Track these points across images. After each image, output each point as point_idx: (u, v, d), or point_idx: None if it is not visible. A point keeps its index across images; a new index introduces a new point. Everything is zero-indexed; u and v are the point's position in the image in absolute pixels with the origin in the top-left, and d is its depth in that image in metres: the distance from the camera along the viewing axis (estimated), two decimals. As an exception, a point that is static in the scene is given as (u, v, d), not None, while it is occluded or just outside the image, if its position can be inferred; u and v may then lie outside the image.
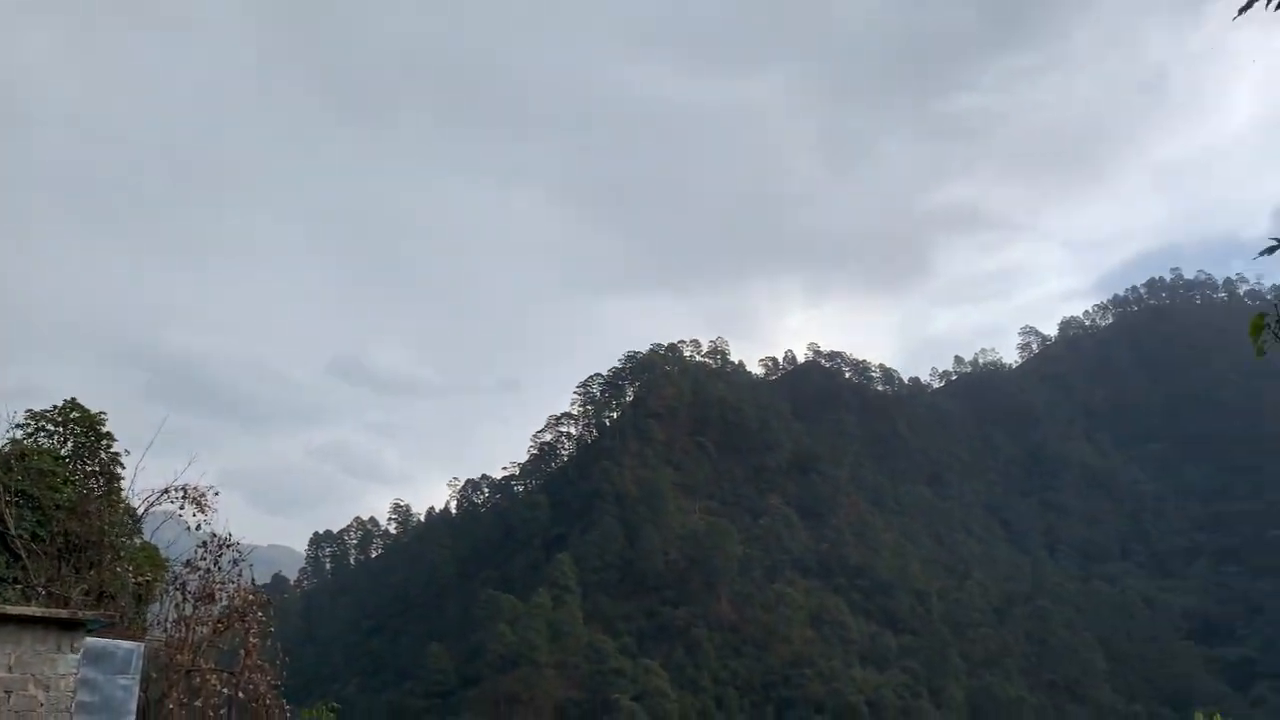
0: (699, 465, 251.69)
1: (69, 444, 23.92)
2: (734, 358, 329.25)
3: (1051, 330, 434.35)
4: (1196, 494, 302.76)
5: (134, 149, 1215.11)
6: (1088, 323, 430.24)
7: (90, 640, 15.61)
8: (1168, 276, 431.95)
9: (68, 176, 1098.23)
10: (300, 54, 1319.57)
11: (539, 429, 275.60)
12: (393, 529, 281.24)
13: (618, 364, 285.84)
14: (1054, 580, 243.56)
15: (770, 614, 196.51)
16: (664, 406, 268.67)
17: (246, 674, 20.38)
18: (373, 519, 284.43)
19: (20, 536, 20.50)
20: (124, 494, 24.18)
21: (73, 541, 21.24)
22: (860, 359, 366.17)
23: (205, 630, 21.09)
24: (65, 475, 22.41)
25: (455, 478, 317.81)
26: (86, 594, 20.30)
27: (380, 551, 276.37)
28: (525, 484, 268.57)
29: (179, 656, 20.03)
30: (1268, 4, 5.71)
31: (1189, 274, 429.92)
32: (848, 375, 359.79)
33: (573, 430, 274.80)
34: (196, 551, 22.37)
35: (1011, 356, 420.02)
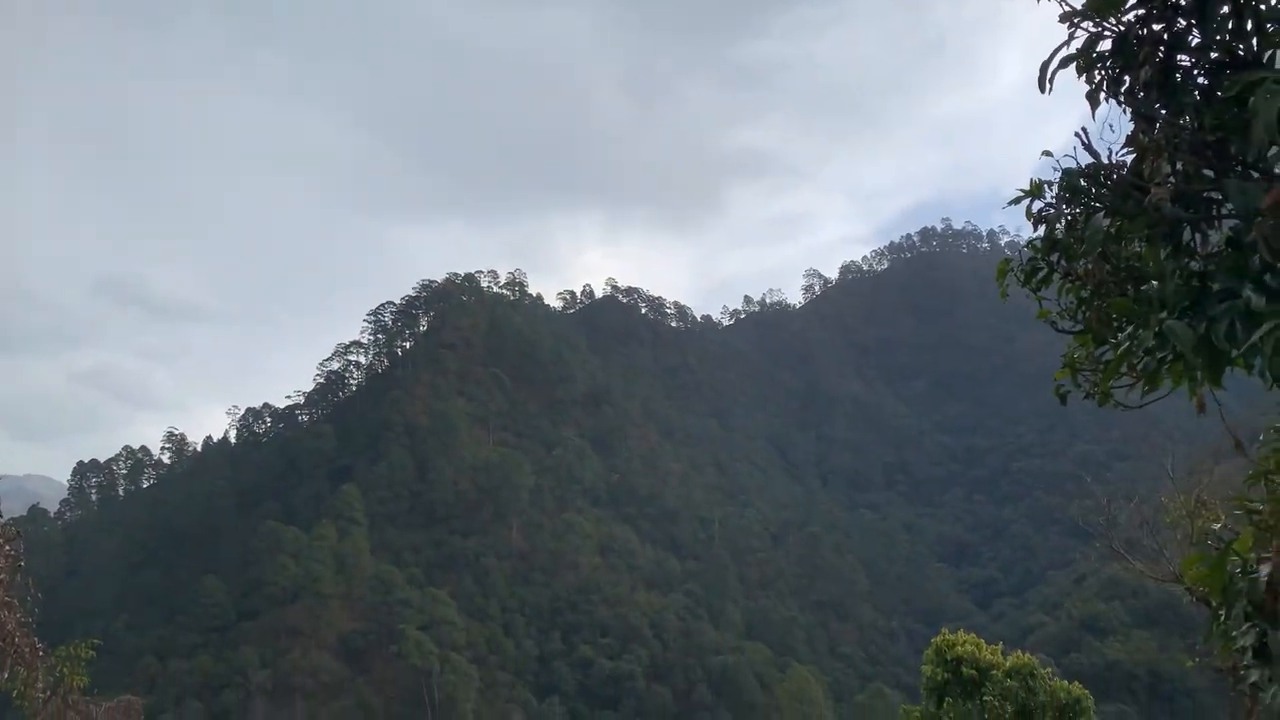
0: (493, 397, 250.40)
1: None
2: (532, 290, 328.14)
3: (833, 273, 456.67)
4: (952, 429, 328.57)
5: None
6: (865, 267, 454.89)
7: None
8: (939, 226, 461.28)
9: None
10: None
11: (326, 357, 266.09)
12: (166, 459, 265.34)
13: (412, 292, 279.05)
14: (825, 508, 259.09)
15: (560, 542, 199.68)
16: (459, 337, 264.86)
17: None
18: (144, 448, 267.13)
19: None
20: None
21: None
22: (656, 295, 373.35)
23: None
24: None
25: (235, 406, 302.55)
26: None
27: (152, 482, 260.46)
28: (310, 414, 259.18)
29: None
30: None
31: (958, 224, 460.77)
32: (643, 311, 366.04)
33: (362, 359, 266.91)
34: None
35: (796, 297, 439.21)
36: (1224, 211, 5.19)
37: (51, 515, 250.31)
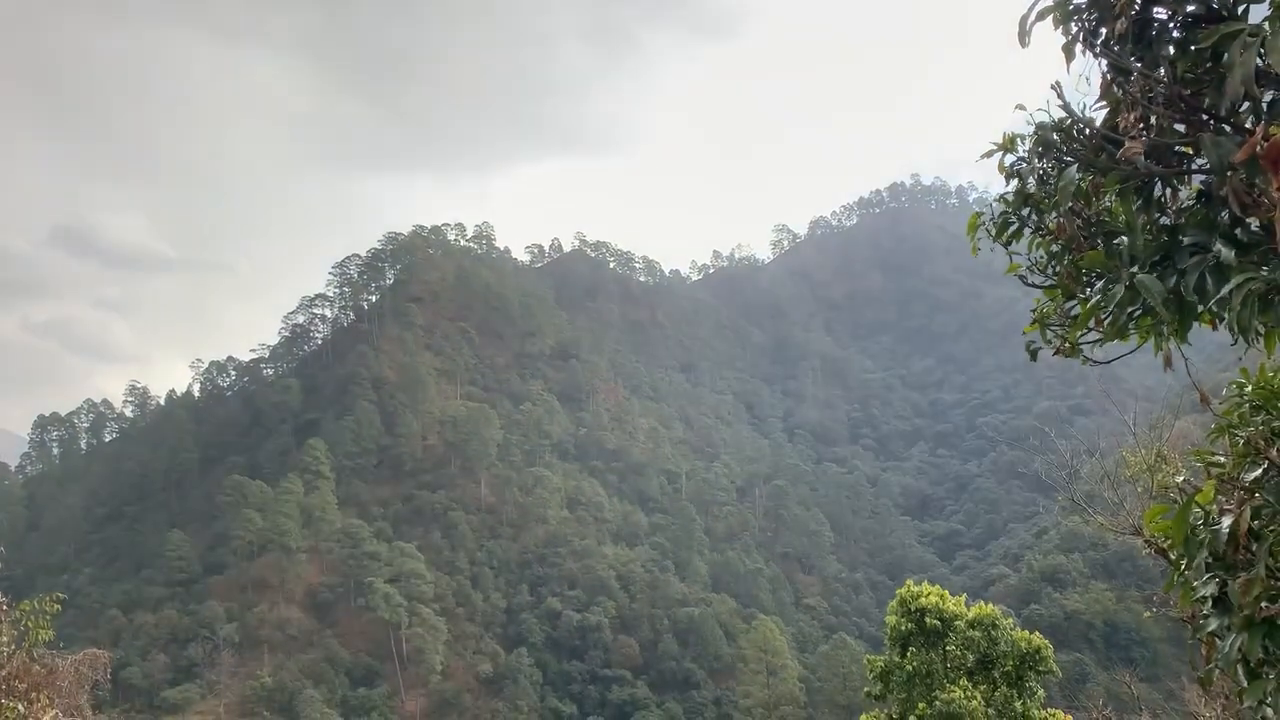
0: (460, 351, 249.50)
1: None
2: (499, 244, 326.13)
3: (802, 229, 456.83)
4: (918, 384, 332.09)
5: None
6: (835, 223, 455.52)
7: None
8: (908, 182, 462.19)
9: None
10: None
11: (291, 310, 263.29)
12: (129, 412, 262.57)
13: (378, 245, 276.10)
14: (791, 462, 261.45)
15: (528, 496, 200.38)
16: (426, 291, 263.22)
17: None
18: (106, 401, 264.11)
19: None
20: None
21: None
22: (624, 250, 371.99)
23: None
24: None
25: (198, 359, 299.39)
26: None
27: (115, 436, 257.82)
28: (276, 367, 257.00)
29: None
30: None
31: (927, 180, 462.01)
32: (611, 265, 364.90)
33: (328, 313, 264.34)
34: None
35: (765, 253, 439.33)
36: (1196, 166, 5.20)
37: (13, 470, 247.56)
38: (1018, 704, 25.39)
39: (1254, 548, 5.37)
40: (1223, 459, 6.45)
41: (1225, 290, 4.54)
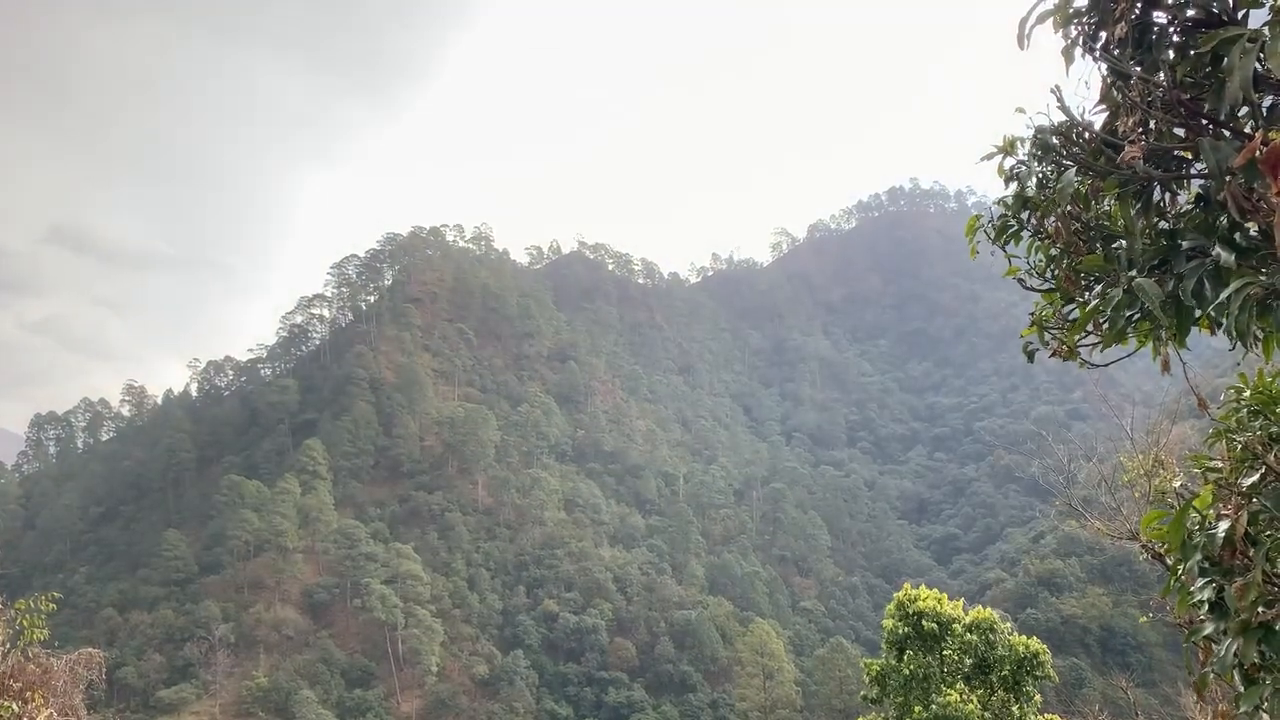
0: (458, 352, 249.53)
1: None
2: (498, 244, 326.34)
3: (801, 232, 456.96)
4: (916, 387, 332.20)
5: None
6: (833, 226, 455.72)
7: None
8: (906, 186, 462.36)
9: None
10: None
11: (289, 310, 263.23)
12: (126, 411, 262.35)
13: (376, 245, 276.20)
14: (789, 465, 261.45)
15: (525, 498, 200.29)
16: (424, 291, 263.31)
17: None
18: (103, 400, 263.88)
19: None
20: None
21: None
22: (622, 251, 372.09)
23: None
24: None
25: (196, 359, 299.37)
26: None
27: (112, 435, 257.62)
28: (273, 367, 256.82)
29: None
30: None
31: (925, 184, 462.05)
32: (610, 267, 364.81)
33: (326, 313, 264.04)
34: None
35: (764, 256, 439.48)
36: (1195, 170, 5.20)
37: (9, 468, 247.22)
38: (1014, 708, 25.40)
39: (1251, 553, 5.38)
40: (1220, 464, 6.46)
41: (1224, 295, 4.54)
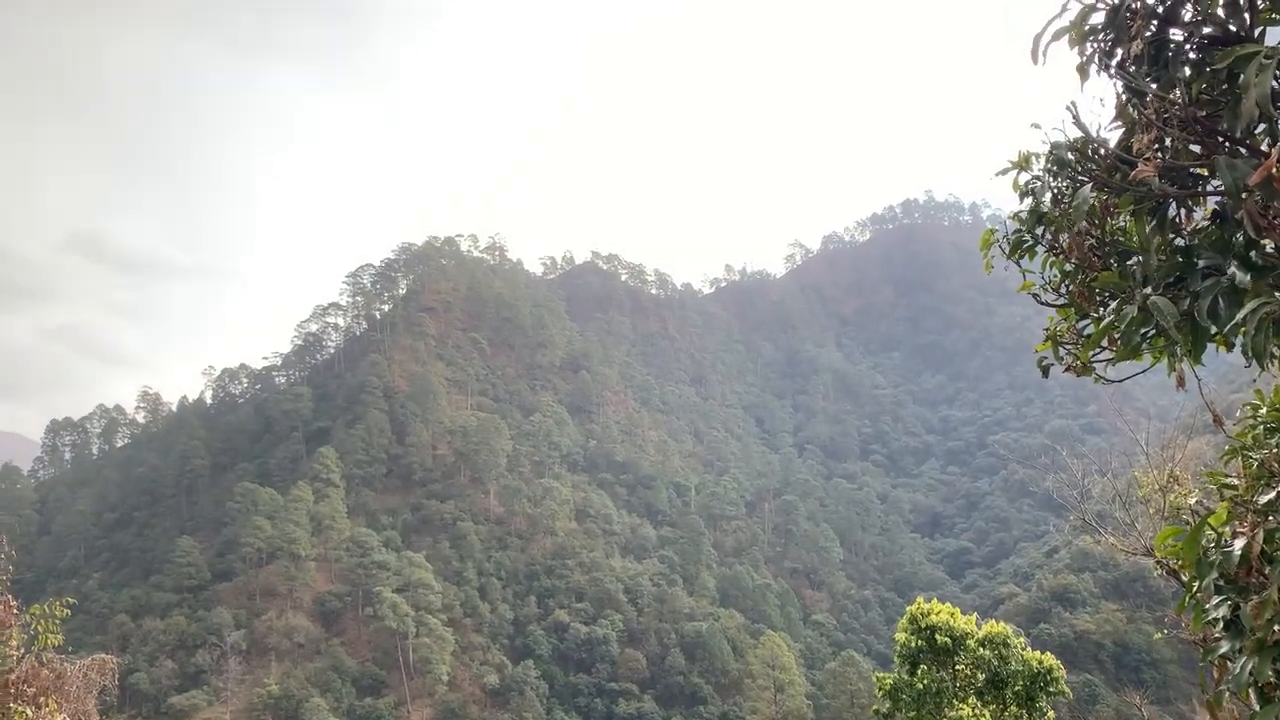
0: (471, 361, 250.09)
1: None
2: (512, 255, 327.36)
3: (815, 244, 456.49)
4: (929, 400, 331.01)
5: None
6: (847, 238, 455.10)
7: None
8: (921, 198, 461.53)
9: None
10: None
11: (304, 319, 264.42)
12: (141, 418, 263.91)
13: (391, 255, 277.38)
14: (801, 477, 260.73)
15: (537, 508, 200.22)
16: (438, 301, 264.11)
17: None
18: (118, 407, 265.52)
19: None
20: None
21: None
22: (636, 262, 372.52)
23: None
24: None
25: (211, 366, 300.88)
26: None
27: (127, 442, 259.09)
28: (288, 375, 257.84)
29: None
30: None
31: (940, 196, 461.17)
32: (623, 277, 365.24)
33: (341, 321, 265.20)
34: None
35: (777, 267, 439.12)
36: (1211, 187, 5.20)
37: (25, 473, 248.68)
38: (1027, 724, 25.21)
39: (1267, 571, 5.35)
40: (1236, 481, 6.43)
41: (1240, 316, 4.52)
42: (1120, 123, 5.58)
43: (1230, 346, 5.35)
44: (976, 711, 24.92)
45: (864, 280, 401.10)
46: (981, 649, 25.90)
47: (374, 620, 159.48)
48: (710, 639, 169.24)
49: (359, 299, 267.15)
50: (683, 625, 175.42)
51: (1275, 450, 6.22)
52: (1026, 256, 6.85)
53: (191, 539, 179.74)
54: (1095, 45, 5.41)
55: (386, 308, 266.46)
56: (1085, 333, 6.34)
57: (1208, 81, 5.08)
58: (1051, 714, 25.92)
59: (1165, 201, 5.29)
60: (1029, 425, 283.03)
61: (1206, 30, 5.05)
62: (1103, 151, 5.67)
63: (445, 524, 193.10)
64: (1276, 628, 5.14)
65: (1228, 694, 5.66)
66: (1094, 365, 6.49)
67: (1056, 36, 5.50)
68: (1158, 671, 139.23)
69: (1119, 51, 5.30)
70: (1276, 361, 5.28)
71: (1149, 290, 5.13)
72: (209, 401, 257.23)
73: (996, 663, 25.75)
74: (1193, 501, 7.79)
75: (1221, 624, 5.61)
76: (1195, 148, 5.18)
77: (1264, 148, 4.89)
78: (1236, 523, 5.81)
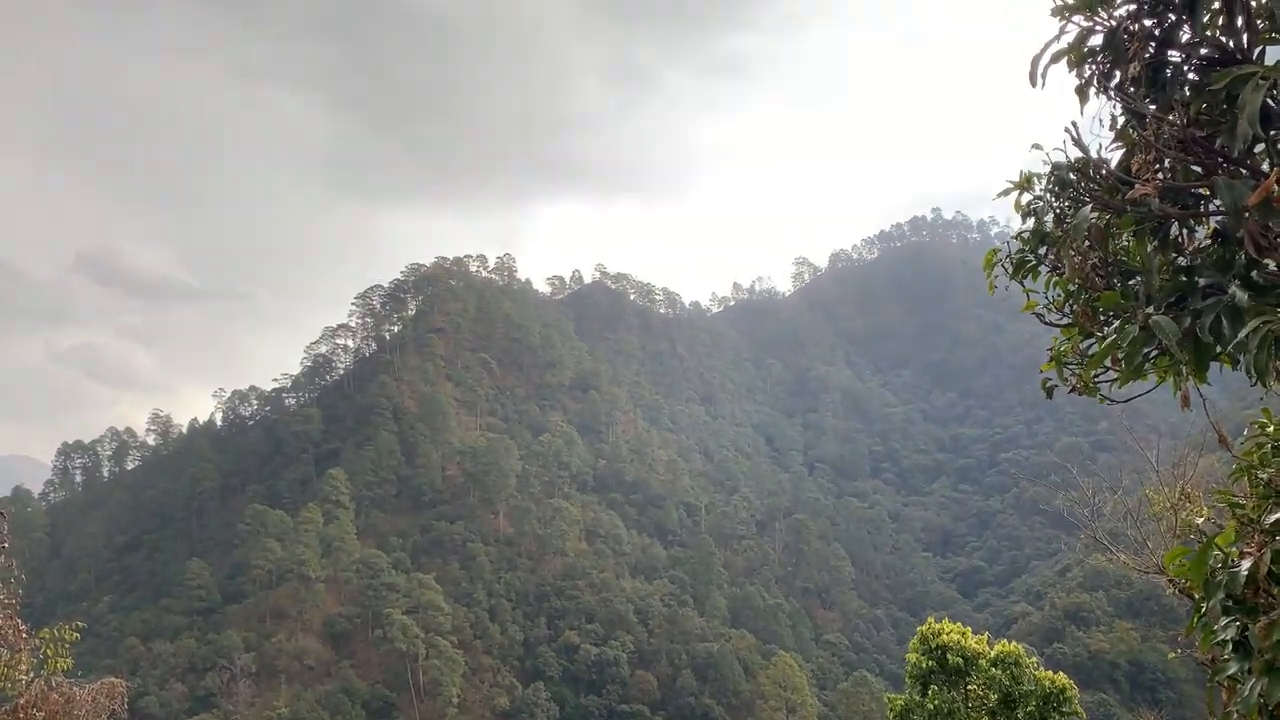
0: (481, 382, 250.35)
1: None
2: (521, 275, 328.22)
3: (823, 262, 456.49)
4: (939, 418, 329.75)
5: None
6: (855, 256, 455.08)
7: None
8: (929, 216, 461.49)
9: None
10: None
11: (314, 340, 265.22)
12: (151, 440, 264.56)
13: (400, 276, 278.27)
14: (811, 496, 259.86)
15: (546, 528, 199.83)
16: (447, 321, 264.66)
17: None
18: (129, 429, 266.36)
19: None
20: None
21: None
22: (644, 281, 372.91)
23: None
24: None
25: (221, 389, 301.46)
26: None
27: (137, 464, 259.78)
28: (297, 397, 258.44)
29: None
30: None
31: (948, 214, 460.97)
32: (632, 297, 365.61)
33: (350, 343, 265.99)
34: None
35: (785, 285, 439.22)
36: (1211, 208, 5.21)
37: (36, 496, 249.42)
38: (1040, 745, 25.00)
39: (1275, 592, 5.33)
40: (1244, 500, 6.41)
41: (1242, 334, 4.53)
42: (1121, 143, 5.61)
43: (1235, 364, 5.35)
44: (989, 732, 24.72)
45: (872, 298, 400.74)
46: (993, 669, 25.72)
47: (384, 642, 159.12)
48: (721, 660, 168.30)
49: (368, 320, 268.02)
50: (694, 646, 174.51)
51: (1282, 469, 6.20)
52: (1030, 276, 6.87)
53: (201, 561, 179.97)
54: (1094, 67, 5.44)
55: (396, 329, 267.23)
56: (1089, 352, 6.35)
57: (1208, 102, 5.11)
58: (1065, 734, 25.68)
59: (1167, 221, 5.31)
60: (1040, 443, 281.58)
61: (1204, 51, 5.08)
62: (1104, 172, 5.69)
63: (455, 545, 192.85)
64: (1285, 648, 5.11)
65: (1236, 716, 5.63)
66: (1099, 385, 6.49)
67: (1055, 59, 5.55)
68: (1173, 691, 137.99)
69: (1117, 73, 5.33)
70: (1276, 377, 5.27)
71: (1151, 309, 5.13)
72: (219, 424, 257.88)
73: (1008, 683, 25.56)
74: (1202, 520, 7.77)
75: (1230, 645, 5.58)
76: (1196, 168, 5.20)
77: (1264, 168, 4.90)
78: (1244, 543, 5.79)
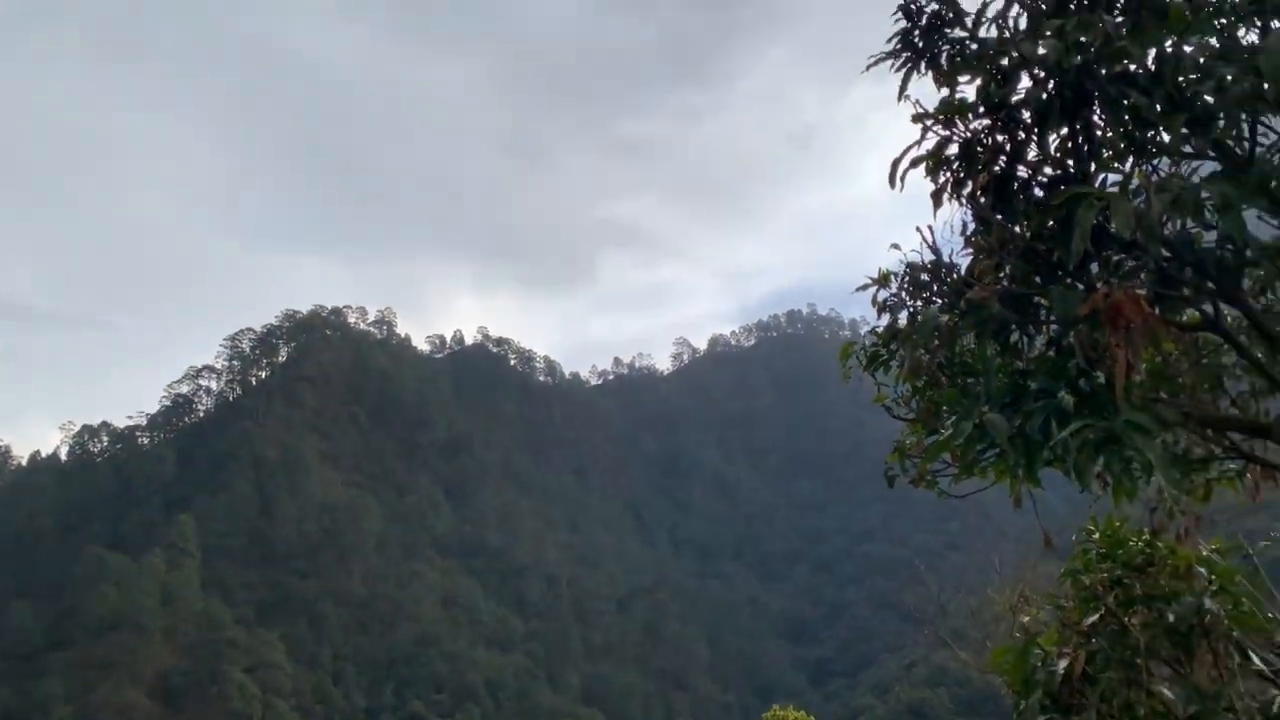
0: (348, 436, 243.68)
1: None
2: (400, 331, 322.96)
3: (702, 344, 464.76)
4: (803, 506, 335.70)
5: None
6: (733, 342, 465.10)
7: None
8: (804, 310, 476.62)
9: None
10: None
11: (175, 379, 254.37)
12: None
13: (274, 321, 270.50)
14: (675, 576, 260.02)
15: (402, 592, 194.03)
16: (319, 371, 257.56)
17: None
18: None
19: None
20: None
21: None
22: (526, 348, 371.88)
23: None
24: None
25: (70, 421, 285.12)
26: None
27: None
28: (152, 436, 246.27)
29: None
30: (894, 67, 6.15)
31: (823, 310, 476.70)
32: (512, 362, 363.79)
33: (214, 385, 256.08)
34: None
35: (665, 364, 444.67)
36: (1049, 316, 5.48)
37: None
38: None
39: (1088, 692, 5.50)
40: (1068, 603, 6.65)
41: (1064, 433, 4.73)
42: (970, 249, 5.87)
43: (1064, 468, 5.57)
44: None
45: (747, 384, 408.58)
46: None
47: (218, 700, 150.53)
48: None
49: (235, 363, 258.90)
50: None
51: (1102, 575, 6.46)
52: (883, 370, 7.08)
53: (26, 603, 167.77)
54: (948, 175, 5.71)
55: (264, 374, 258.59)
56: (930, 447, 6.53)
57: (1051, 217, 5.40)
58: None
59: (1007, 326, 5.55)
60: (895, 538, 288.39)
61: (1048, 170, 5.39)
62: (953, 276, 5.94)
63: (305, 603, 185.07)
64: (1093, 748, 5.26)
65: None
66: (938, 480, 6.68)
67: (914, 164, 5.79)
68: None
69: (970, 182, 5.60)
70: (1109, 487, 5.51)
71: (986, 408, 5.33)
72: (64, 458, 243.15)
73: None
74: (1026, 620, 8.04)
75: (1045, 742, 5.72)
76: (1037, 278, 5.47)
77: (1097, 283, 5.19)
78: (1063, 644, 5.98)
